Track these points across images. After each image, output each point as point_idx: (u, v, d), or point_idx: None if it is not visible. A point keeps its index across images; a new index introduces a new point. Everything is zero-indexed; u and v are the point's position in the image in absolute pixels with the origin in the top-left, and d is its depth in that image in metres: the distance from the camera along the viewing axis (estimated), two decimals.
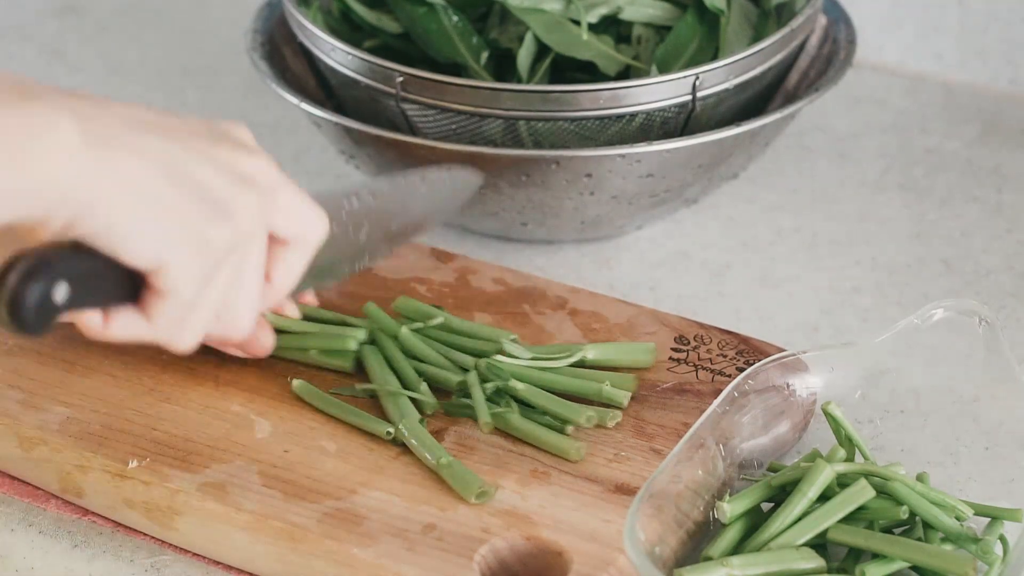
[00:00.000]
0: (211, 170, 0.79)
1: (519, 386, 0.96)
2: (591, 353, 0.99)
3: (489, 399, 0.96)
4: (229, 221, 0.79)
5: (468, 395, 0.97)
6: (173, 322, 0.80)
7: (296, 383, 0.98)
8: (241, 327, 0.82)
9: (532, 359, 0.98)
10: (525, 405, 0.96)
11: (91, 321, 0.81)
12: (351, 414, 0.96)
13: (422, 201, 1.01)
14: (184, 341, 0.81)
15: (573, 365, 0.99)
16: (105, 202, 0.76)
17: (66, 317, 0.79)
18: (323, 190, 0.94)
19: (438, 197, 1.02)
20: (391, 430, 0.94)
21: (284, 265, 0.85)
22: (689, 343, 1.02)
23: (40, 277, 0.76)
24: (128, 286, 0.79)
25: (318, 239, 0.85)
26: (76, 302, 0.78)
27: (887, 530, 0.89)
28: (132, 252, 0.77)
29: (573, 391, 0.97)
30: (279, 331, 0.99)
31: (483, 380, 0.97)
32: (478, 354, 0.99)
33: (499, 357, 0.97)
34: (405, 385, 0.97)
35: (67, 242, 0.77)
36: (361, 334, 1.00)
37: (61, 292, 0.77)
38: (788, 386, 0.95)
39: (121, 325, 0.80)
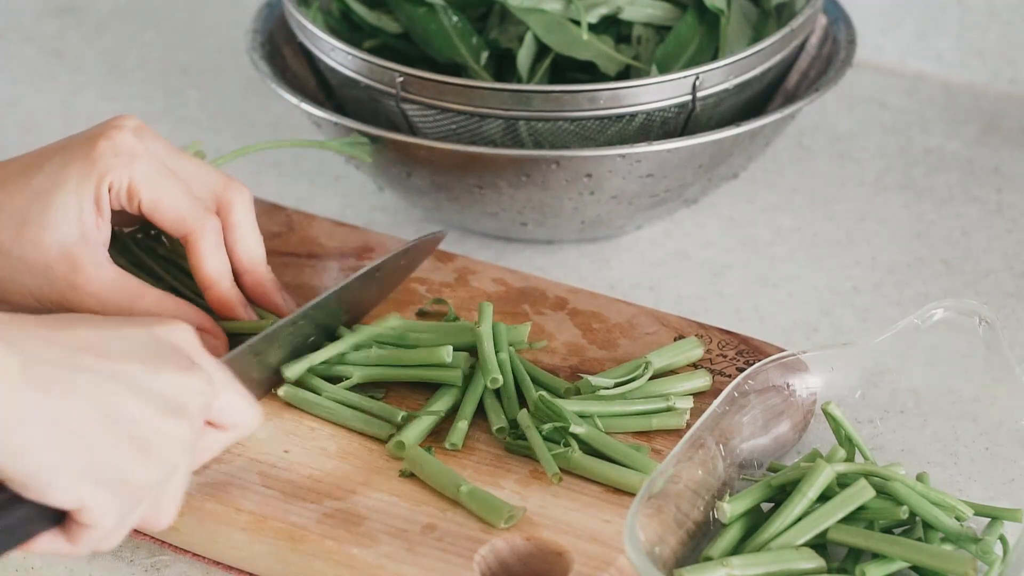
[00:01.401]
0: (142, 406, 0.79)
1: (579, 430, 0.93)
2: (656, 362, 0.98)
3: (546, 437, 0.94)
4: (156, 461, 0.79)
5: (523, 436, 0.94)
6: (96, 543, 0.81)
7: (283, 390, 0.97)
8: (162, 523, 0.84)
9: (616, 385, 0.96)
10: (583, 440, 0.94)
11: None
12: (355, 419, 0.96)
13: (376, 286, 1.03)
14: (108, 549, 0.82)
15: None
16: (34, 447, 0.76)
17: None
18: (274, 324, 0.97)
19: (394, 274, 1.04)
20: (393, 444, 0.94)
21: (207, 446, 0.86)
22: None
23: None
24: (50, 515, 0.79)
25: (249, 431, 0.87)
26: None
27: (887, 530, 0.89)
28: (55, 494, 0.77)
29: (644, 413, 0.96)
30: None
31: (538, 419, 0.95)
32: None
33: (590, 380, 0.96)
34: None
35: None
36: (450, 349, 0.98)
37: None
38: (788, 386, 0.95)
39: (45, 546, 0.81)
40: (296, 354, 0.98)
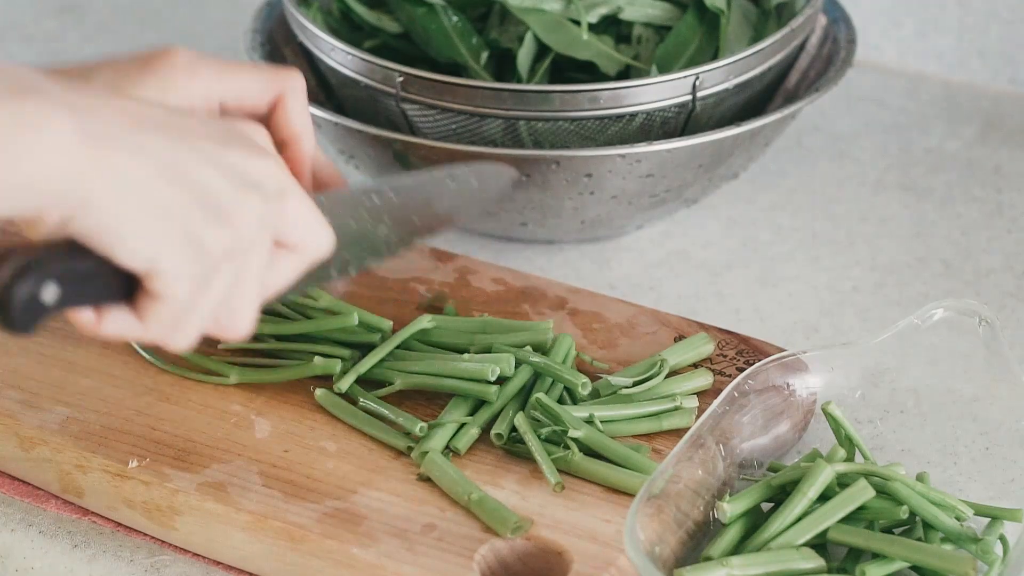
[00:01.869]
0: (215, 173, 0.78)
1: (578, 434, 0.93)
2: (670, 360, 0.98)
3: (546, 439, 0.94)
4: (229, 227, 0.78)
5: (521, 439, 0.94)
6: (166, 324, 0.79)
7: (319, 392, 0.97)
8: (238, 330, 0.81)
9: (634, 384, 0.96)
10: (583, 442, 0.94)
11: (83, 318, 0.80)
12: (379, 429, 0.95)
13: (449, 198, 0.98)
14: (178, 342, 0.80)
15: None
16: (99, 202, 0.74)
17: (56, 315, 0.79)
18: (344, 190, 0.92)
19: (466, 194, 0.99)
20: (417, 454, 0.93)
21: (278, 269, 0.84)
22: None
23: (29, 276, 0.76)
24: (122, 286, 0.78)
25: (320, 251, 0.84)
26: (66, 301, 0.77)
27: (887, 530, 0.89)
28: (125, 254, 0.76)
29: (654, 414, 0.96)
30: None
31: (536, 422, 0.94)
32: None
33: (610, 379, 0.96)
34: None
35: (60, 240, 0.76)
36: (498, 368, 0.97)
37: (50, 292, 0.77)
38: (788, 386, 0.95)
39: (114, 324, 0.79)
40: (368, 232, 0.94)
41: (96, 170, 0.74)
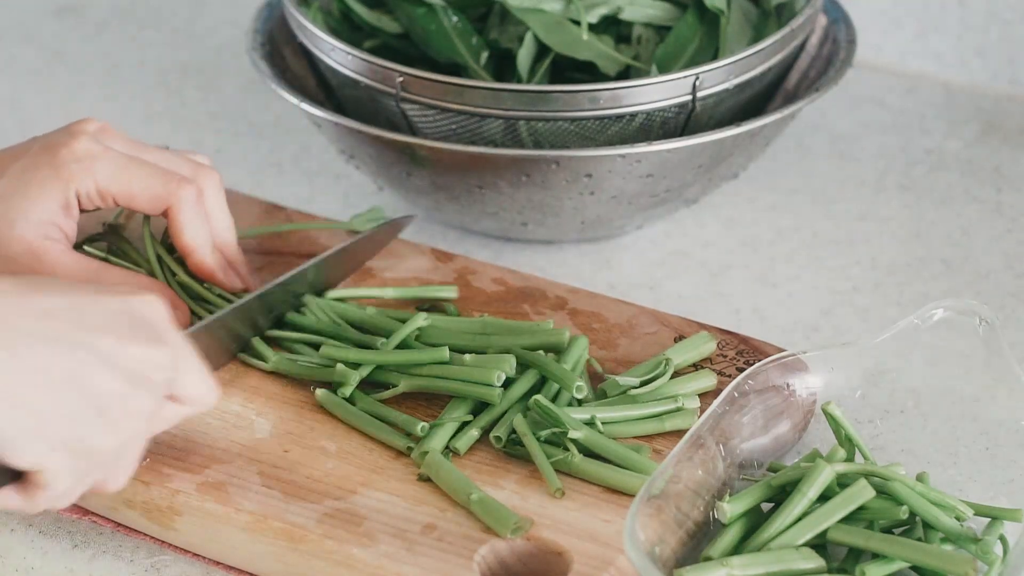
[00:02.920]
0: (111, 377, 0.80)
1: (578, 435, 0.93)
2: (675, 359, 0.98)
3: (545, 441, 0.93)
4: (116, 430, 0.81)
5: (520, 441, 0.94)
6: (49, 503, 0.82)
7: (319, 392, 0.97)
8: (117, 489, 0.86)
9: (641, 384, 0.96)
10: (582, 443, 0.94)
11: None
12: (379, 429, 0.95)
13: (341, 267, 1.06)
14: (62, 507, 0.84)
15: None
16: None
17: None
18: (222, 312, 0.99)
19: (358, 257, 1.08)
20: (417, 454, 0.93)
21: (163, 417, 0.87)
22: None
23: None
24: (8, 472, 0.81)
25: (206, 406, 0.88)
26: None
27: (887, 530, 0.89)
28: (13, 456, 0.79)
29: (656, 415, 0.96)
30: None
31: (535, 423, 0.94)
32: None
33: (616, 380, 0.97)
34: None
35: None
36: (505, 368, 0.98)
37: None
38: (788, 386, 0.95)
39: (2, 501, 0.82)
40: (258, 328, 1.01)
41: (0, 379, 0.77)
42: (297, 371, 0.99)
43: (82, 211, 1.01)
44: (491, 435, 0.94)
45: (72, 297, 0.81)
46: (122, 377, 0.81)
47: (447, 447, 0.94)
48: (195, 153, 1.06)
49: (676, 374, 0.99)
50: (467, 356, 0.98)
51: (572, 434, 0.92)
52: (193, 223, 1.02)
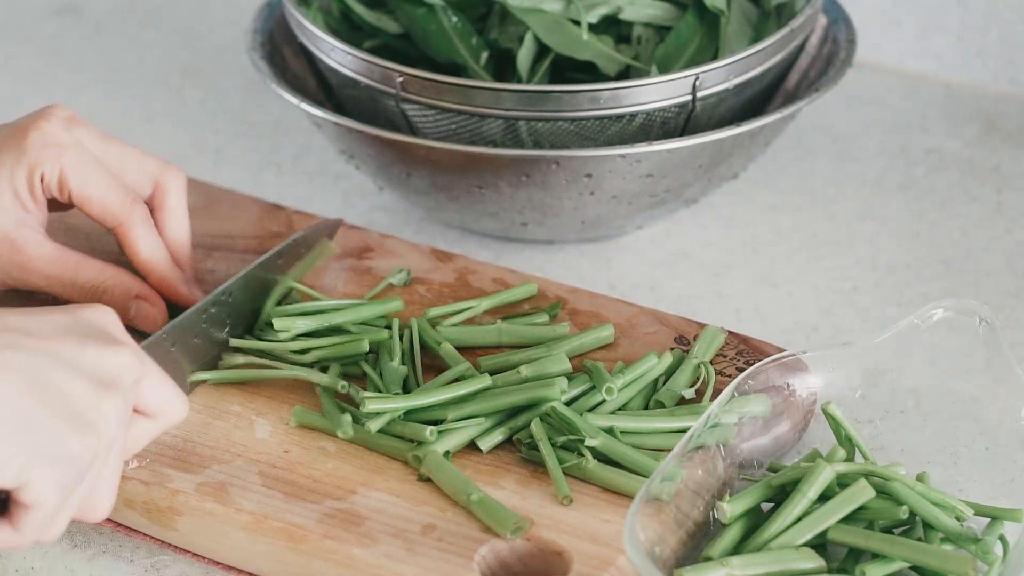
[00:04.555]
0: (75, 380, 0.80)
1: (594, 442, 0.92)
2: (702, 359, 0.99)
3: (562, 446, 0.93)
4: (93, 433, 0.80)
5: (535, 445, 0.94)
6: (40, 528, 0.81)
7: (296, 411, 0.96)
8: (102, 511, 0.84)
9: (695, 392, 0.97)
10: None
11: None
12: (372, 436, 0.95)
13: (281, 272, 1.05)
14: (51, 539, 0.82)
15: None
16: None
17: None
18: (184, 315, 0.98)
19: (295, 261, 1.06)
20: (418, 455, 0.93)
21: (136, 436, 0.86)
22: (689, 343, 1.02)
23: None
24: None
25: (177, 417, 0.87)
26: None
27: (887, 530, 0.89)
28: None
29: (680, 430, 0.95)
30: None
31: (551, 429, 0.94)
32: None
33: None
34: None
35: None
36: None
37: None
38: (788, 386, 0.95)
39: None
40: (211, 341, 1.00)
41: None
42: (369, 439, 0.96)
43: None
44: (514, 439, 0.94)
45: (18, 315, 0.81)
46: (86, 380, 0.80)
47: (487, 448, 0.94)
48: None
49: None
50: (523, 368, 0.97)
51: (588, 441, 0.92)
52: (148, 240, 1.02)
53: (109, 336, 0.83)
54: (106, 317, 0.84)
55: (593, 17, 1.13)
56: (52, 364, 0.79)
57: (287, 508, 0.90)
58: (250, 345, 1.00)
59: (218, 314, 1.00)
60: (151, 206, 1.04)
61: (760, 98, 1.15)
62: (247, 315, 1.02)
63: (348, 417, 0.95)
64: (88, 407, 0.80)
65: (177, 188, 1.04)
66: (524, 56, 1.13)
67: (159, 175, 1.04)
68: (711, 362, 1.00)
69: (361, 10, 1.18)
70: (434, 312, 1.03)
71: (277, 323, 0.99)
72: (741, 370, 0.99)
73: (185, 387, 0.98)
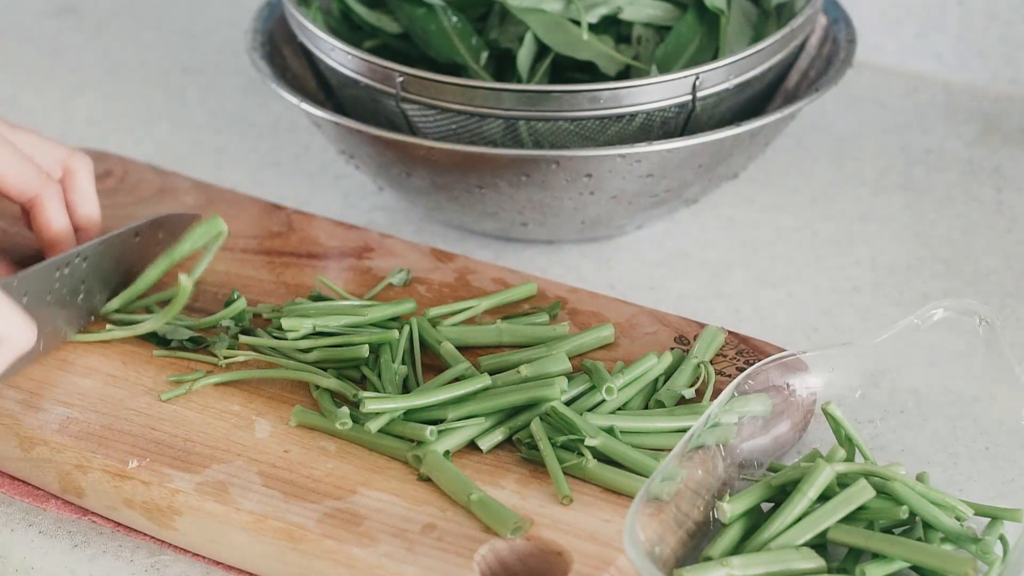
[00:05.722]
0: None
1: (595, 442, 0.92)
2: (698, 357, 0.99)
3: (562, 446, 0.93)
4: None
5: (534, 445, 0.94)
6: None
7: (296, 411, 0.96)
8: None
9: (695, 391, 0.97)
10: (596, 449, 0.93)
11: None
12: (371, 436, 0.95)
13: (138, 251, 1.07)
14: None
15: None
16: None
17: None
18: (36, 267, 0.99)
19: (153, 245, 1.08)
20: (418, 454, 0.93)
21: None
22: (689, 343, 1.02)
23: None
24: None
25: (26, 343, 0.88)
26: None
27: (887, 530, 0.89)
28: None
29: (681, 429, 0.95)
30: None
31: (551, 428, 0.94)
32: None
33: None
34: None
35: None
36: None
37: None
38: (788, 386, 0.95)
39: None
40: (66, 301, 1.01)
41: None
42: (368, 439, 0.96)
43: None
44: (514, 438, 0.94)
45: None
46: None
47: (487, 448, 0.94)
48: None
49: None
50: (523, 368, 0.97)
51: (588, 441, 0.92)
52: (57, 219, 1.04)
53: None
54: None
55: (593, 17, 1.13)
56: None
57: (287, 508, 0.90)
58: (253, 341, 1.00)
59: (72, 274, 1.01)
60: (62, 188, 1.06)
61: (760, 98, 1.15)
62: (112, 283, 1.05)
63: (345, 408, 0.95)
64: None
65: (86, 171, 1.06)
66: (524, 56, 1.13)
67: (67, 159, 1.06)
68: (711, 362, 1.00)
69: (361, 10, 1.18)
70: (434, 312, 1.03)
71: (286, 323, 0.99)
72: (741, 370, 0.99)
73: (55, 340, 1.01)
